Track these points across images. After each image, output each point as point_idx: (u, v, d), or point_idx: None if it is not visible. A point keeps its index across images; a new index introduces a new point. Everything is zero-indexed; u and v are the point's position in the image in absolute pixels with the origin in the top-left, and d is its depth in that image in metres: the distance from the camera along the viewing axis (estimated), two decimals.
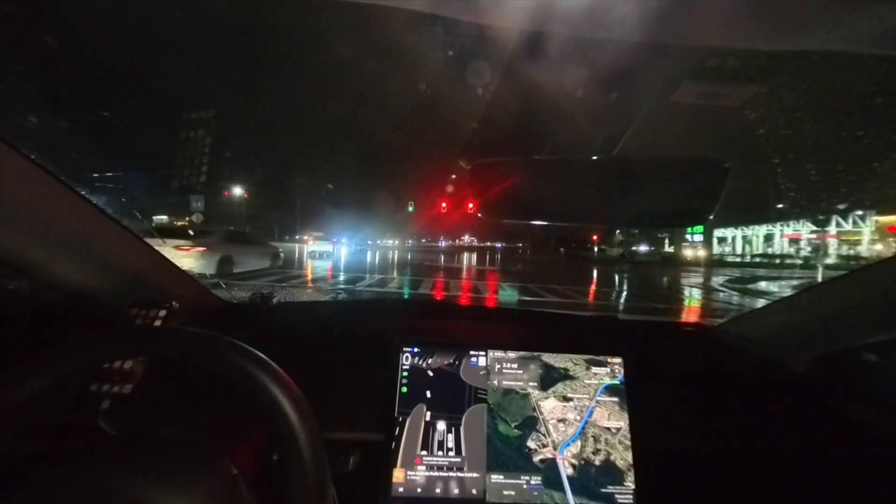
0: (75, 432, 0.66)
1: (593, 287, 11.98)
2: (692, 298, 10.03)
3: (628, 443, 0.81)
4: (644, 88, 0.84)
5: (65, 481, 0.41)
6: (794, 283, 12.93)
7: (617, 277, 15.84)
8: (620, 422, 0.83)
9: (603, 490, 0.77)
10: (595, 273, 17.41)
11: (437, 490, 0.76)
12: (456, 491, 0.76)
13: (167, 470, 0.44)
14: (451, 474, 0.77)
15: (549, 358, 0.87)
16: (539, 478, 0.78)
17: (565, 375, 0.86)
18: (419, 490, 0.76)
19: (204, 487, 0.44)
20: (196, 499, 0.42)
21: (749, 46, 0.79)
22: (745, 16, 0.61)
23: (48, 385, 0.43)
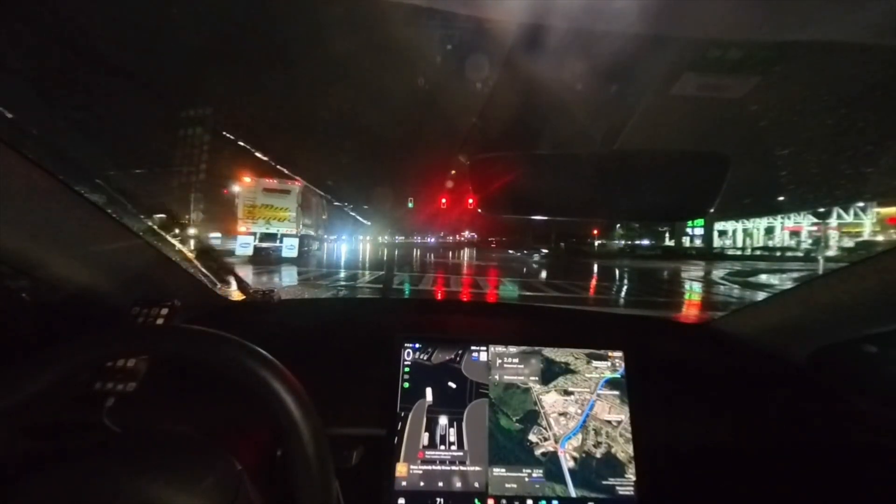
0: (80, 430, 0.66)
1: (594, 282, 11.99)
2: (692, 292, 10.04)
3: (629, 435, 0.82)
4: (644, 81, 0.84)
5: (70, 478, 0.41)
6: (795, 275, 12.92)
7: (617, 272, 15.84)
8: (621, 415, 0.83)
9: (604, 482, 0.78)
10: (595, 268, 17.41)
11: (440, 484, 0.77)
12: (458, 484, 0.77)
13: (172, 466, 0.45)
14: (454, 468, 0.78)
15: (550, 352, 0.88)
16: (541, 471, 0.78)
17: (566, 369, 0.86)
18: (422, 484, 0.77)
19: (209, 483, 0.44)
20: (201, 494, 0.43)
21: (750, 37, 0.78)
22: (747, 6, 0.61)
23: (52, 383, 0.43)
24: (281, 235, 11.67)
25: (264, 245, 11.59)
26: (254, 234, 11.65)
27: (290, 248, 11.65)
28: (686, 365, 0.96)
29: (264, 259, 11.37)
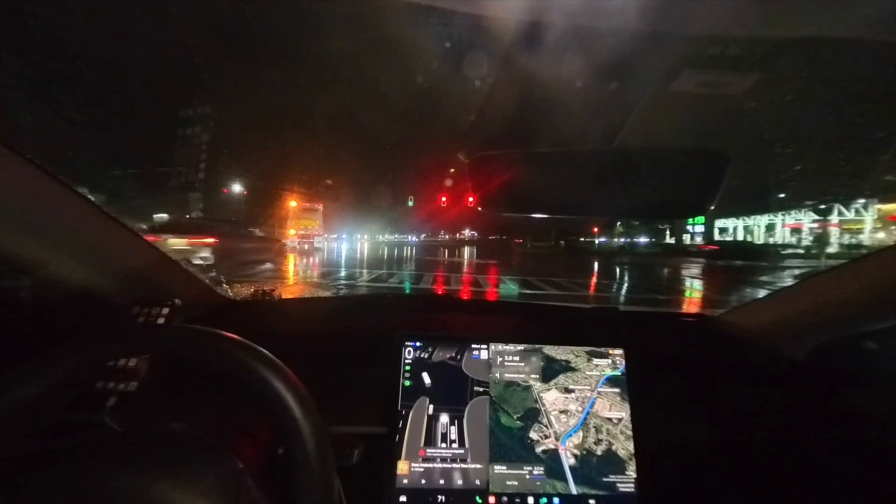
0: (82, 429, 0.66)
1: (594, 279, 11.97)
2: (692, 289, 10.03)
3: (630, 433, 0.82)
4: (643, 78, 0.84)
5: (72, 478, 0.42)
6: (796, 272, 12.90)
7: (618, 269, 15.82)
8: (622, 412, 0.83)
9: (605, 479, 0.78)
10: (596, 266, 17.39)
11: (441, 481, 0.77)
12: (459, 482, 0.77)
13: (174, 465, 0.45)
14: (455, 466, 0.78)
15: (550, 350, 0.88)
16: (542, 468, 0.79)
17: (567, 367, 0.86)
18: (423, 481, 0.77)
19: (210, 482, 0.44)
20: (203, 493, 0.43)
21: (750, 34, 0.78)
22: (746, 3, 0.61)
23: (54, 383, 0.44)
24: (313, 235, 20.53)
25: (304, 241, 19.80)
26: (298, 234, 20.14)
27: (319, 242, 20.44)
28: (686, 362, 0.96)
29: (304, 249, 18.88)
